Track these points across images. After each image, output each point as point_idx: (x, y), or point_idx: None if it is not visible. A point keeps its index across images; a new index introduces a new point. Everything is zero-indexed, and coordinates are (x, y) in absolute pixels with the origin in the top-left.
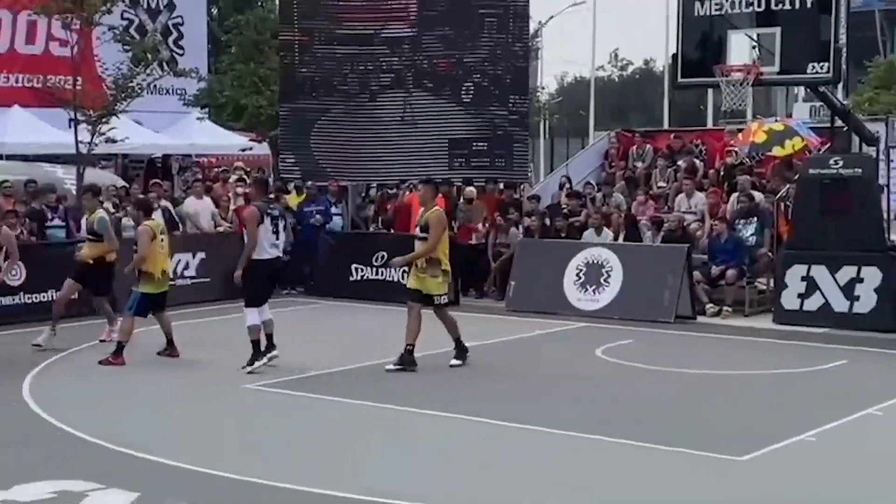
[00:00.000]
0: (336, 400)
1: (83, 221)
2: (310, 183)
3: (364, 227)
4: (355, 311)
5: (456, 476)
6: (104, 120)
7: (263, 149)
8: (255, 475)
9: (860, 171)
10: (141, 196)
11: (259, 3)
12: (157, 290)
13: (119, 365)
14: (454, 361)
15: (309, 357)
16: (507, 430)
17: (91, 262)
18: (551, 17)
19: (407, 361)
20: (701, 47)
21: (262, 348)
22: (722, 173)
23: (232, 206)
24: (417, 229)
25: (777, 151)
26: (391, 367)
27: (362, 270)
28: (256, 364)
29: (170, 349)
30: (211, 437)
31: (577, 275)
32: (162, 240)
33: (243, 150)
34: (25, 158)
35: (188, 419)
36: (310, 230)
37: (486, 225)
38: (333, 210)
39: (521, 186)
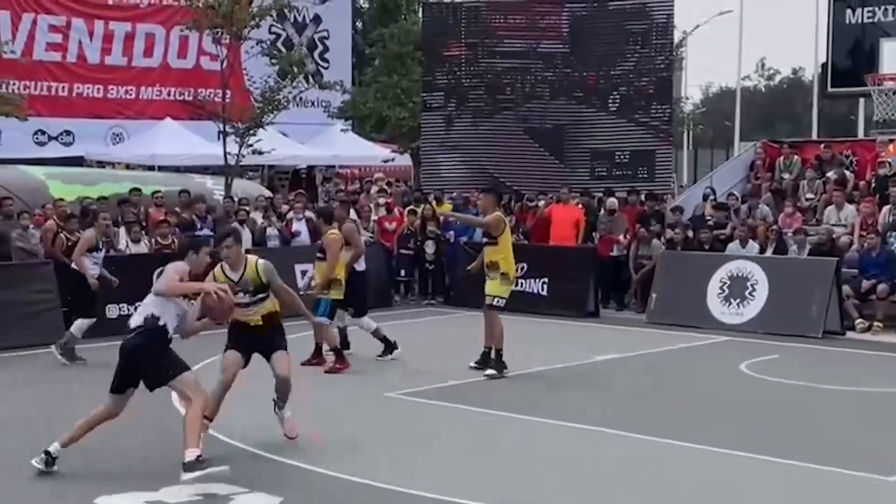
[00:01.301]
0: (475, 410)
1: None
2: (455, 194)
3: None
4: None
5: (595, 489)
6: (251, 132)
7: (405, 160)
8: (394, 482)
9: None
10: (323, 205)
11: (403, 17)
12: (341, 295)
13: (346, 369)
14: (473, 364)
15: (448, 366)
16: (647, 444)
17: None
18: (697, 26)
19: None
20: (852, 56)
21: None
22: (873, 185)
23: (374, 217)
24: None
25: None
26: (473, 364)
27: None
28: (395, 353)
29: (317, 358)
30: (352, 444)
31: (721, 288)
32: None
33: (385, 161)
34: (176, 170)
35: (330, 426)
36: (449, 242)
37: (628, 236)
38: None
39: (664, 198)
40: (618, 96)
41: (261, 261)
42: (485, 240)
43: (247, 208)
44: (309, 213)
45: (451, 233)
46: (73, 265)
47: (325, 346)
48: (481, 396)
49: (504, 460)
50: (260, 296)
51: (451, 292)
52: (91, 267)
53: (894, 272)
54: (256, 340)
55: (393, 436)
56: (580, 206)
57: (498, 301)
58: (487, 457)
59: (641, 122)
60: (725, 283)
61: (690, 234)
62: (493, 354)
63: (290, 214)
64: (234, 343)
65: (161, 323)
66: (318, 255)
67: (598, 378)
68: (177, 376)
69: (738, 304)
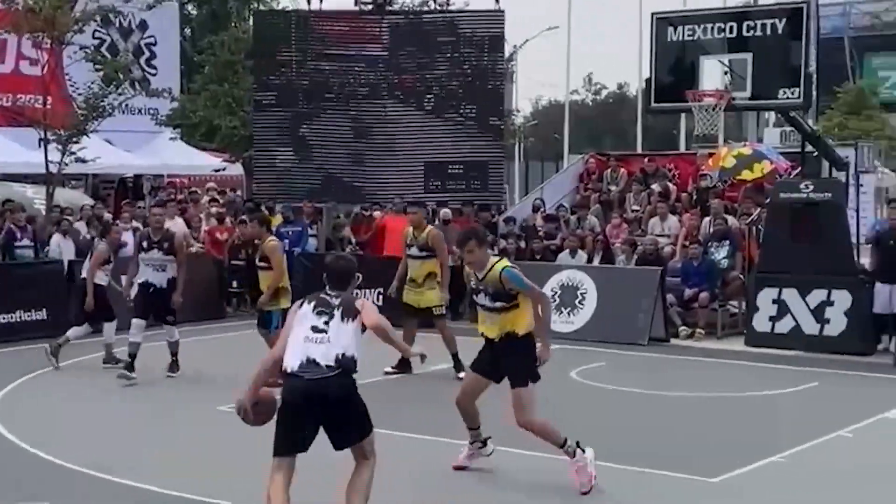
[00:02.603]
0: None
1: None
2: (285, 205)
3: (339, 249)
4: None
5: (419, 496)
6: (74, 139)
7: (237, 169)
8: (227, 498)
9: (830, 195)
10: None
11: (233, 24)
12: (290, 303)
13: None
14: (461, 375)
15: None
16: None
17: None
18: (526, 40)
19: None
20: (674, 72)
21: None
22: (695, 197)
23: (204, 227)
24: (414, 249)
25: (746, 175)
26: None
27: None
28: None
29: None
30: (181, 460)
31: (553, 297)
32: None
33: (216, 170)
34: None
35: (159, 441)
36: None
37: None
38: (309, 231)
39: (497, 209)
40: (447, 109)
41: (508, 268)
42: (422, 253)
43: (70, 218)
44: (136, 224)
45: (286, 242)
46: (84, 276)
47: None
48: None
49: (337, 470)
50: (499, 304)
51: None
52: (102, 279)
53: (715, 281)
54: (493, 358)
55: (224, 450)
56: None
57: (443, 309)
58: (318, 468)
59: (474, 135)
60: (556, 292)
61: (523, 244)
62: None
63: (120, 224)
64: (474, 361)
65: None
66: (261, 264)
67: (432, 387)
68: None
69: (568, 313)
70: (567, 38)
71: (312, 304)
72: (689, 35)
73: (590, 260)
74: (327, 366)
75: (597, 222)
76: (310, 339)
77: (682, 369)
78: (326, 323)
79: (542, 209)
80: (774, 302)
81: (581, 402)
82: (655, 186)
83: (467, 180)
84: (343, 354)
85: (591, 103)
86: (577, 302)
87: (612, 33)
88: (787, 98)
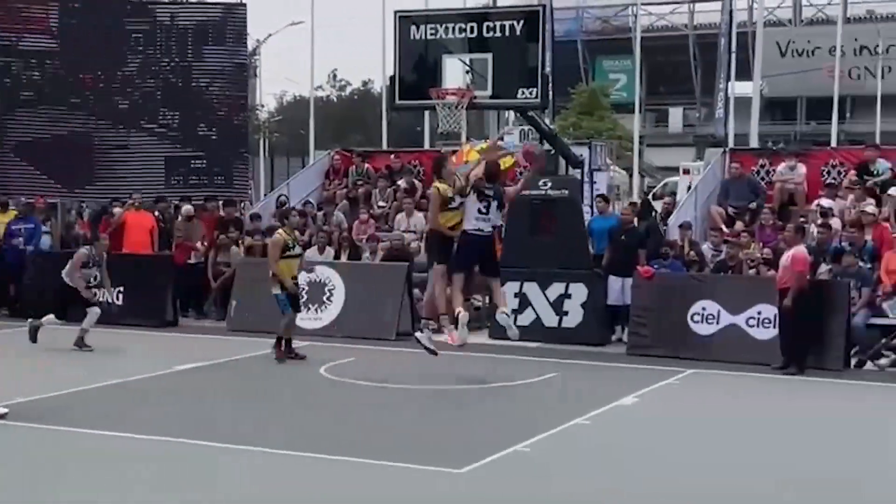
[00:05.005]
0: (50, 428)
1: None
2: (23, 199)
3: (75, 247)
4: (66, 334)
5: (167, 499)
6: None
7: None
8: None
9: (567, 192)
10: None
11: None
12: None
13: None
14: None
15: (18, 383)
16: (225, 451)
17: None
18: (269, 35)
19: None
20: (417, 70)
21: None
22: None
23: None
24: None
25: None
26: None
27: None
28: None
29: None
30: None
31: (301, 293)
32: None
33: None
34: None
35: None
36: (15, 250)
37: (205, 243)
38: (43, 228)
39: (242, 204)
40: (187, 101)
41: None
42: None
43: None
44: None
45: (20, 240)
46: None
47: None
48: (56, 413)
49: (83, 479)
50: None
51: (17, 304)
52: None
53: None
54: None
55: None
56: (155, 212)
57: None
58: (64, 478)
59: (215, 130)
60: (304, 288)
61: (269, 241)
62: None
63: None
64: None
65: None
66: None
67: (180, 388)
68: None
69: (316, 310)
70: (311, 33)
71: None
72: (431, 34)
73: (337, 256)
74: None
75: (343, 218)
76: None
77: (428, 363)
78: None
79: (286, 205)
80: (516, 295)
81: (330, 397)
82: (401, 182)
83: (210, 176)
84: None
85: (336, 99)
86: (325, 298)
87: (355, 30)
88: (526, 98)
